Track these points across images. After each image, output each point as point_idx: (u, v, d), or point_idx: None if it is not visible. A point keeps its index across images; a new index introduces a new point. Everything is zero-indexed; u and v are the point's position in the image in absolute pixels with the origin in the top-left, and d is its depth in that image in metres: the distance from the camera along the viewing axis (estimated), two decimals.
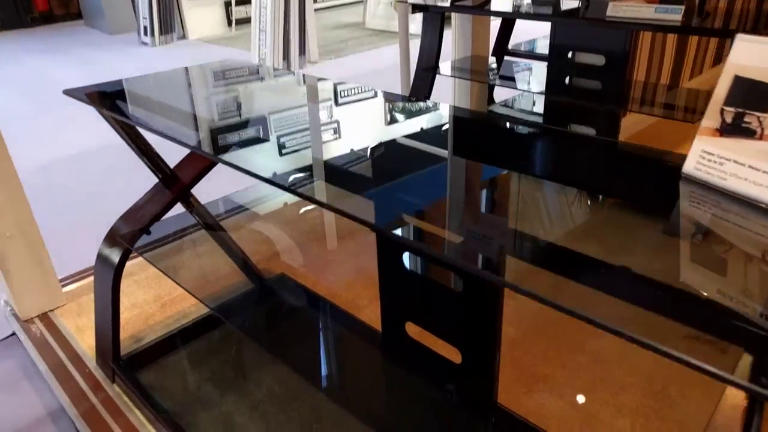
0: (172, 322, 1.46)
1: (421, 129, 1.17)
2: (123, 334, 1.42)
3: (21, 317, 1.50)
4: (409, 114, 1.26)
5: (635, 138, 2.62)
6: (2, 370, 1.47)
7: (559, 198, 0.93)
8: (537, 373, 1.26)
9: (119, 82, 1.24)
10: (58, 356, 1.37)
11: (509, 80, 2.40)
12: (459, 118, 1.20)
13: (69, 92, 1.11)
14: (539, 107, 2.68)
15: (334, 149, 1.05)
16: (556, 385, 1.23)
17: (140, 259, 1.52)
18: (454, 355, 1.02)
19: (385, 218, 0.81)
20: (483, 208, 0.92)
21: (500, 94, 2.80)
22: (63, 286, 1.60)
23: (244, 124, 1.12)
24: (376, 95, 1.40)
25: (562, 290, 0.55)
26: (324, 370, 1.18)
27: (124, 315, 1.50)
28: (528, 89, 2.29)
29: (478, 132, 1.12)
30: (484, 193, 0.98)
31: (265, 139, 1.05)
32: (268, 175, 0.85)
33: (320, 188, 0.89)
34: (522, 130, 1.19)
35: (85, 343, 1.41)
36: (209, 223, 1.40)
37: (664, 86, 2.49)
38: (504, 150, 1.04)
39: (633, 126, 2.62)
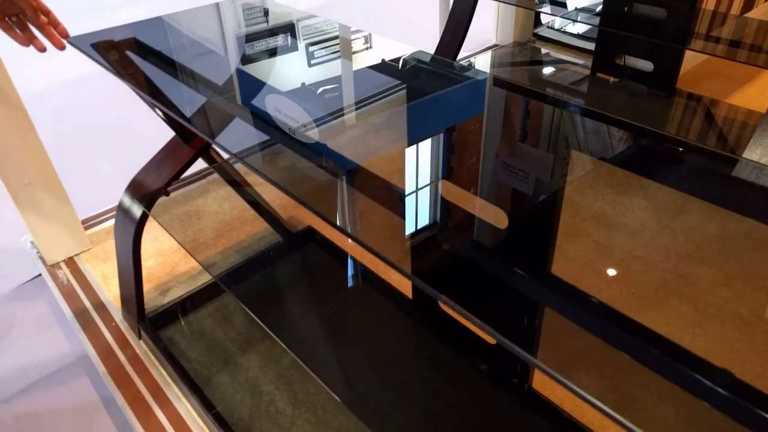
0: (198, 273, 1.43)
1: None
2: (148, 285, 1.40)
3: (47, 262, 1.48)
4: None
5: (696, 73, 2.39)
6: (33, 311, 1.48)
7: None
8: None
9: (125, 27, 1.12)
10: (84, 306, 1.36)
11: (559, 5, 2.17)
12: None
13: (74, 42, 1.00)
14: (590, 32, 2.45)
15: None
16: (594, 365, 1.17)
17: (165, 199, 1.47)
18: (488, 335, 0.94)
19: None
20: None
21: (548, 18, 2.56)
22: (86, 228, 1.57)
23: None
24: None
25: None
26: (350, 340, 1.14)
27: (149, 263, 1.47)
28: (580, 18, 2.07)
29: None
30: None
31: None
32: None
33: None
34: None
35: (111, 292, 1.39)
36: (233, 178, 1.33)
37: (734, 18, 2.22)
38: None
39: (695, 56, 2.38)
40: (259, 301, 1.22)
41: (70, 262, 1.49)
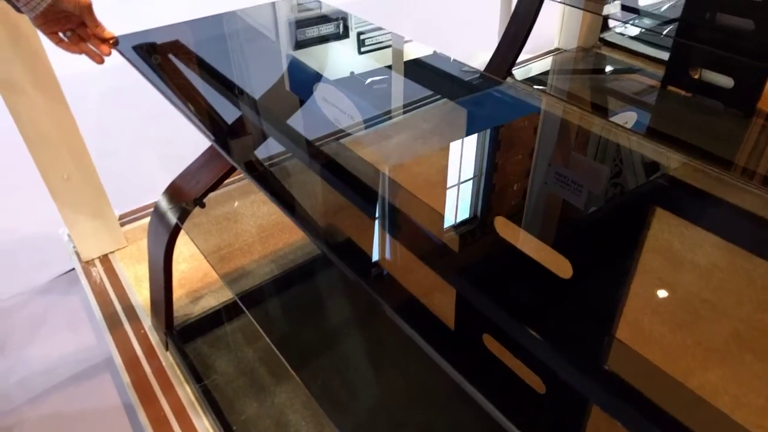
0: (231, 281, 1.38)
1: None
2: (179, 291, 1.35)
3: (82, 258, 1.46)
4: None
5: None
6: (65, 306, 1.46)
7: None
8: None
9: (161, 29, 1.06)
10: (115, 309, 1.32)
11: (630, 10, 2.00)
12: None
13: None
14: (663, 40, 2.27)
15: None
16: None
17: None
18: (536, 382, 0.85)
19: None
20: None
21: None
22: (123, 225, 1.54)
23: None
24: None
25: None
26: (382, 372, 1.06)
27: (181, 266, 1.43)
28: (652, 26, 1.91)
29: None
30: None
31: None
32: None
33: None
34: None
35: (142, 296, 1.35)
36: (276, 190, 1.25)
37: None
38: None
39: None
40: (283, 325, 1.15)
41: (105, 259, 1.46)
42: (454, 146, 1.15)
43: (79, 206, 1.38)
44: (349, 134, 1.21)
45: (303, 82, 1.15)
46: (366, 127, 1.38)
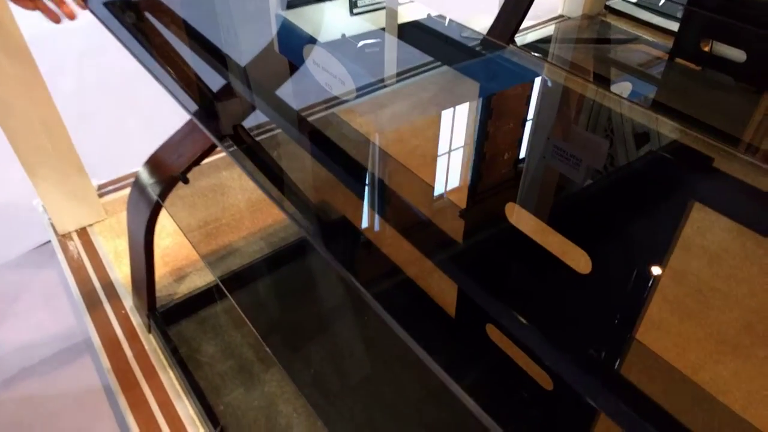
0: (217, 260, 1.30)
1: None
2: (163, 269, 1.28)
3: (58, 231, 1.37)
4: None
5: None
6: (41, 281, 1.38)
7: None
8: None
9: None
10: (93, 286, 1.25)
11: None
12: None
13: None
14: (672, 8, 2.17)
15: None
16: None
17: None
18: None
19: None
20: None
21: None
22: (102, 196, 1.45)
23: None
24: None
25: None
26: (373, 362, 1.00)
27: (165, 242, 1.35)
28: None
29: None
30: None
31: None
32: None
33: None
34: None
35: (123, 272, 1.28)
36: (265, 161, 1.17)
37: None
38: None
39: None
40: (269, 312, 1.08)
41: (83, 233, 1.38)
42: (456, 117, 1.07)
43: (54, 177, 1.29)
44: (342, 102, 1.12)
45: (292, 45, 1.06)
46: (359, 96, 1.29)
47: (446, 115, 1.11)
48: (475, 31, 1.23)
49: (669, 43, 2.05)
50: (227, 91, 0.92)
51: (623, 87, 1.96)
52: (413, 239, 0.71)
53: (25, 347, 1.23)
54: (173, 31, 0.91)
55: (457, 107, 1.13)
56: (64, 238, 1.36)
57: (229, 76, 0.92)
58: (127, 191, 1.48)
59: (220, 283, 1.16)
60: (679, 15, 2.04)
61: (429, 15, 1.19)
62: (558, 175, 0.83)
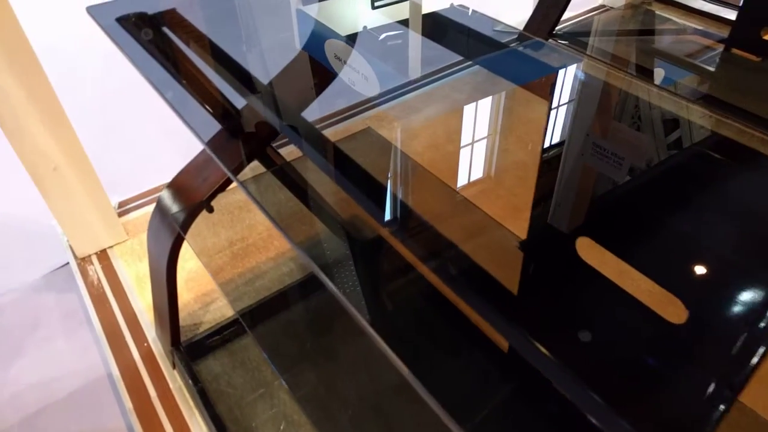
0: (243, 284, 1.21)
1: None
2: (186, 295, 1.20)
3: (77, 254, 1.30)
4: None
5: None
6: (61, 306, 1.31)
7: None
8: None
9: None
10: (115, 318, 1.17)
11: None
12: None
13: (93, 12, 0.75)
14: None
15: None
16: None
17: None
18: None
19: None
20: None
21: None
22: (121, 215, 1.37)
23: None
24: None
25: None
26: (397, 407, 0.90)
27: (189, 264, 1.26)
28: None
29: None
30: None
31: None
32: None
33: None
34: None
35: (145, 300, 1.20)
36: (296, 182, 1.07)
37: None
38: None
39: None
40: (288, 345, 0.99)
41: (103, 255, 1.30)
42: (499, 129, 0.96)
43: (71, 198, 1.21)
44: (371, 106, 1.02)
45: (313, 41, 0.96)
46: (389, 99, 1.19)
47: (485, 124, 1.00)
48: (508, 26, 1.11)
49: (723, 32, 1.89)
50: (248, 115, 0.82)
51: (656, 73, 1.81)
52: (461, 281, 0.60)
53: (44, 382, 1.16)
54: (192, 48, 0.81)
55: (500, 118, 1.01)
56: (83, 262, 1.29)
57: (251, 98, 0.82)
58: (147, 209, 1.41)
59: (240, 319, 1.08)
60: (736, 1, 1.89)
61: (452, 5, 1.08)
62: (635, 202, 0.72)
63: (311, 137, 0.80)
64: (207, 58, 0.83)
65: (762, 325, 0.58)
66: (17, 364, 1.19)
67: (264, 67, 0.90)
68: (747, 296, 0.60)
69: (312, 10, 1.05)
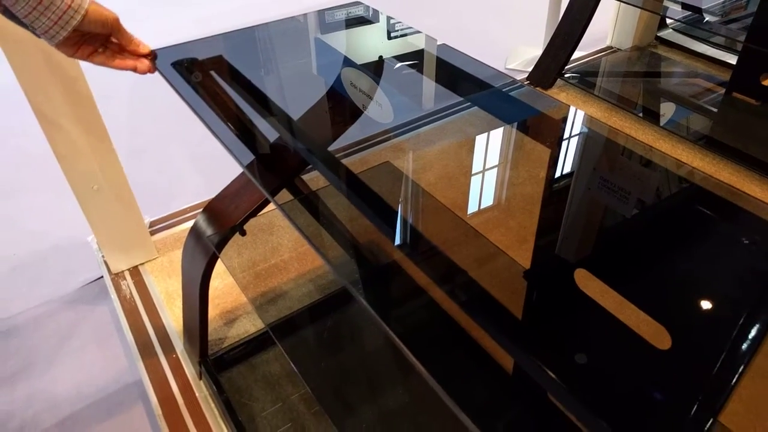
0: (266, 302, 1.30)
1: None
2: (212, 311, 1.28)
3: (111, 269, 1.39)
4: None
5: None
6: (93, 318, 1.40)
7: None
8: None
9: (202, 42, 0.96)
10: (146, 329, 1.26)
11: (693, 10, 1.85)
12: None
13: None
14: (728, 40, 2.10)
15: None
16: None
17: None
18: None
19: None
20: None
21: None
22: (153, 233, 1.47)
23: None
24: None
25: None
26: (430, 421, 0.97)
27: (214, 283, 1.35)
28: (717, 29, 1.76)
29: None
30: None
31: None
32: None
33: None
34: None
35: (174, 315, 1.28)
36: (321, 211, 1.16)
37: None
38: None
39: None
40: (316, 360, 1.06)
41: (135, 272, 1.39)
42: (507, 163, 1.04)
43: (109, 217, 1.31)
44: (388, 138, 1.10)
45: (329, 68, 1.05)
46: (404, 132, 1.27)
47: (494, 155, 1.08)
48: (496, 70, 1.20)
49: (724, 76, 1.99)
50: (280, 146, 0.92)
51: (665, 108, 1.90)
52: (469, 303, 0.68)
53: (79, 387, 1.24)
54: (234, 88, 0.92)
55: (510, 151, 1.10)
56: (117, 277, 1.38)
57: (281, 133, 0.92)
58: (176, 229, 1.50)
59: (270, 332, 1.16)
60: (736, 47, 1.98)
61: (444, 46, 1.16)
62: (628, 239, 0.80)
63: (338, 170, 0.89)
64: (247, 97, 0.93)
65: (736, 353, 0.65)
66: (53, 371, 1.28)
67: (295, 104, 1.00)
68: (724, 327, 0.67)
69: (329, 39, 1.15)
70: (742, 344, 0.68)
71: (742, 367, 0.68)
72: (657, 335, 0.66)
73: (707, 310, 0.72)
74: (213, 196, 1.68)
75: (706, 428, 0.60)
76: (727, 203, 0.89)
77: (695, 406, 0.63)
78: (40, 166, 1.88)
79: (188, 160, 1.93)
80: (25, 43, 1.03)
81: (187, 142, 2.01)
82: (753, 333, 0.66)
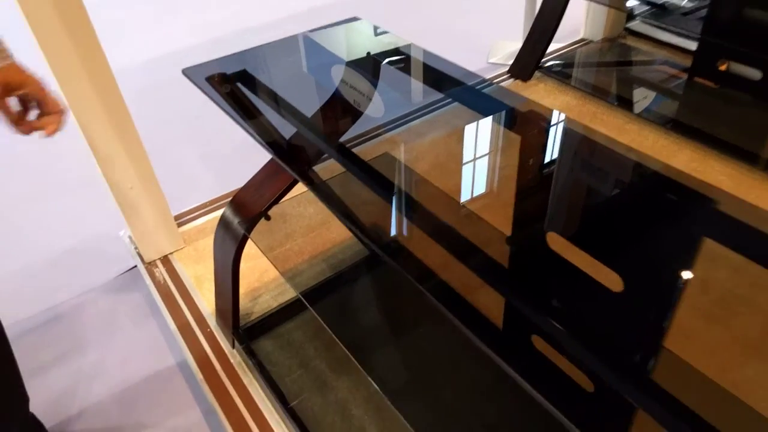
0: (283, 281, 1.47)
1: None
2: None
3: (144, 259, 1.56)
4: None
5: None
6: (129, 303, 1.57)
7: None
8: None
9: (230, 57, 1.13)
10: (182, 310, 1.43)
11: (654, 6, 2.03)
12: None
13: (188, 72, 1.02)
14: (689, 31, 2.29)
15: None
16: None
17: None
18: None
19: None
20: None
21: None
22: (179, 226, 1.64)
23: None
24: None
25: None
26: (437, 372, 1.16)
27: None
28: (676, 23, 1.94)
29: None
30: None
31: None
32: None
33: None
34: None
35: (204, 296, 1.46)
36: (332, 199, 1.34)
37: None
38: None
39: None
40: (342, 322, 1.25)
41: (166, 261, 1.57)
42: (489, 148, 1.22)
43: (143, 211, 1.48)
44: (383, 132, 1.28)
45: (322, 66, 1.23)
46: (397, 125, 1.44)
47: (480, 145, 1.26)
48: (469, 71, 1.36)
49: (687, 62, 2.17)
50: (301, 139, 1.09)
51: (642, 93, 2.08)
52: (470, 264, 0.86)
53: (124, 362, 1.41)
54: (258, 95, 1.09)
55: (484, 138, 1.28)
56: (150, 266, 1.55)
57: (301, 128, 1.09)
58: (198, 222, 1.67)
59: (301, 297, 1.33)
60: (697, 36, 2.17)
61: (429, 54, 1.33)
62: (584, 204, 0.99)
63: (353, 159, 1.07)
64: (269, 102, 1.11)
65: (672, 294, 0.84)
66: (99, 349, 1.45)
67: (306, 107, 1.17)
68: (664, 274, 0.86)
69: (317, 36, 1.32)
70: (676, 287, 0.87)
71: (675, 304, 0.87)
72: (612, 281, 0.85)
73: (651, 262, 0.91)
74: (225, 191, 1.86)
75: (652, 351, 0.79)
76: (671, 181, 1.08)
77: (643, 335, 0.82)
78: (64, 169, 2.04)
79: (199, 159, 2.09)
80: (69, 56, 1.20)
81: (196, 143, 2.17)
82: (684, 278, 0.85)
